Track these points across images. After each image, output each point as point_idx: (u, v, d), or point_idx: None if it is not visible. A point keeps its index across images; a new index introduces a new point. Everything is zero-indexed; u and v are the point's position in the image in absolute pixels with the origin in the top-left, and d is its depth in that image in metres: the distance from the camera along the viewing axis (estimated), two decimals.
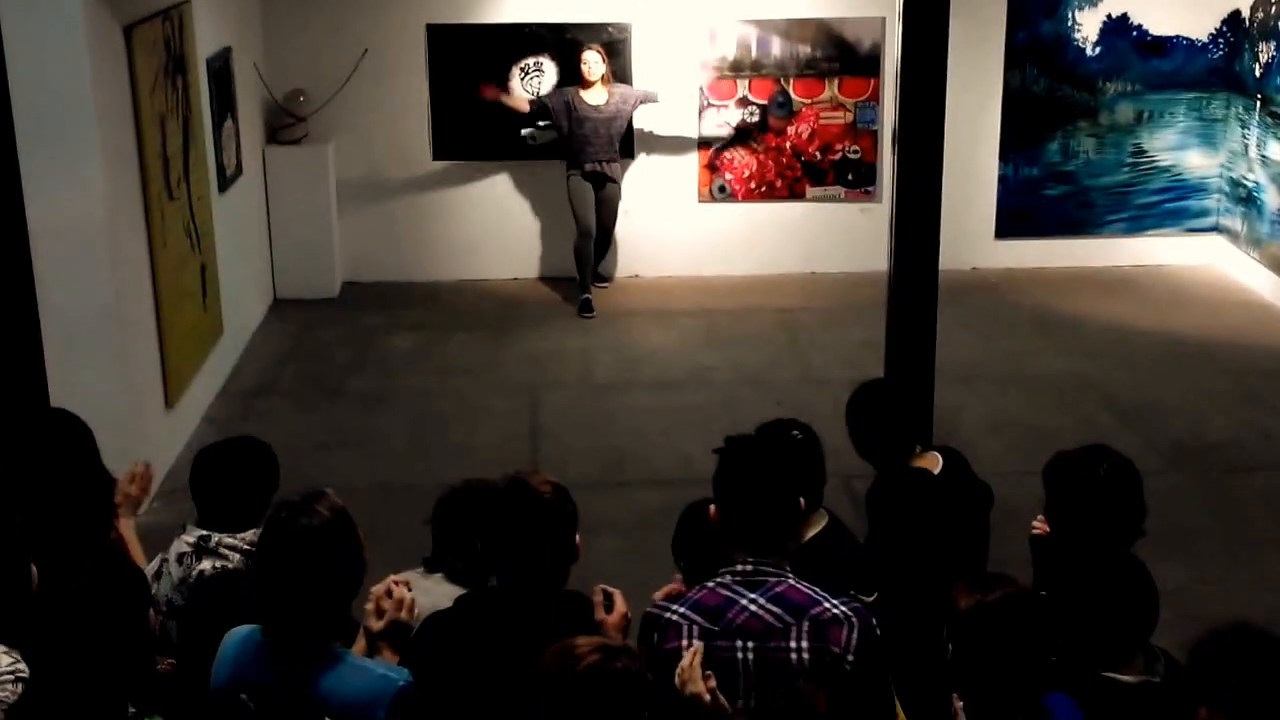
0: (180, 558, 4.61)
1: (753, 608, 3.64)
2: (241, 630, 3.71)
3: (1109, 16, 12.14)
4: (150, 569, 4.66)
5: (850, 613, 3.67)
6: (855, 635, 3.61)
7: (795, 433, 4.71)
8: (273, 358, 10.71)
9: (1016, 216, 12.46)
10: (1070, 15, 12.13)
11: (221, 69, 10.27)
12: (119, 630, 3.71)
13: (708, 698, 3.45)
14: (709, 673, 3.47)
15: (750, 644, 3.61)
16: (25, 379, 6.28)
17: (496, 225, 12.09)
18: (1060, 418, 9.25)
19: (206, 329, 9.66)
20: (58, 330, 7.57)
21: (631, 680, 3.25)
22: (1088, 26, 12.15)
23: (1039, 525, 4.75)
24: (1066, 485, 4.50)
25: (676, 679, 3.48)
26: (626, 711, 3.22)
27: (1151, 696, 3.72)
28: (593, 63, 10.94)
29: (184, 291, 9.11)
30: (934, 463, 5.05)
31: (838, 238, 12.13)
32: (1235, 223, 12.28)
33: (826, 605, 3.67)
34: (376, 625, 3.92)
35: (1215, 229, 12.52)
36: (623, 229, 11.86)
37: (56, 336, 7.60)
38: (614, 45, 11.77)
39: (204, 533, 4.61)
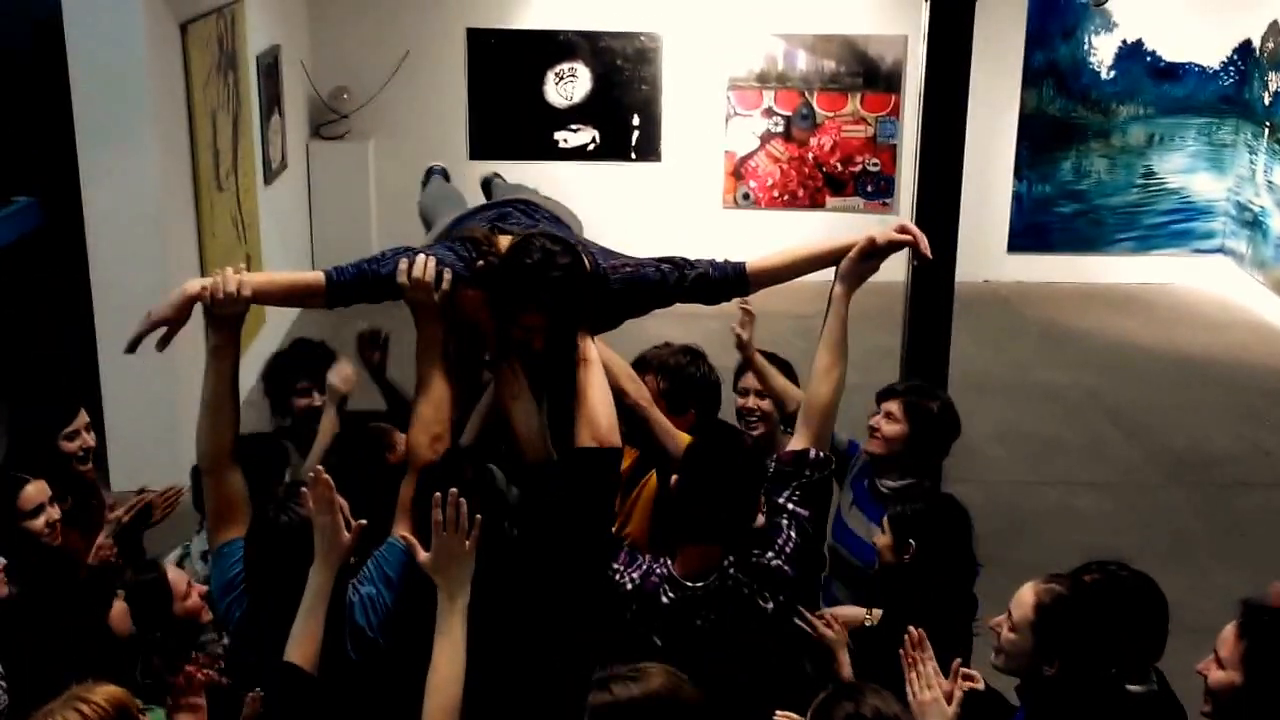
0: None
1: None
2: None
3: (1124, 42, 12.44)
4: None
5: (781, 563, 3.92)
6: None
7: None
8: None
9: (1029, 232, 12.75)
10: (1087, 39, 12.43)
11: (270, 66, 10.57)
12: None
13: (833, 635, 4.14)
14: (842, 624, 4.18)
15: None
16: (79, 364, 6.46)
17: None
18: (1065, 429, 9.50)
19: (250, 318, 9.85)
20: (109, 315, 7.84)
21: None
22: (1103, 51, 12.45)
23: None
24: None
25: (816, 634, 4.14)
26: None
27: (1153, 703, 3.92)
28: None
29: None
30: None
31: None
32: (1241, 245, 12.55)
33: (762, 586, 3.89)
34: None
35: (1221, 251, 12.78)
36: (647, 232, 12.05)
37: (108, 321, 7.86)
38: (645, 53, 12.14)
39: None
